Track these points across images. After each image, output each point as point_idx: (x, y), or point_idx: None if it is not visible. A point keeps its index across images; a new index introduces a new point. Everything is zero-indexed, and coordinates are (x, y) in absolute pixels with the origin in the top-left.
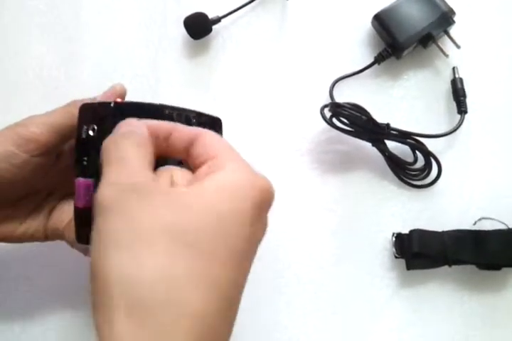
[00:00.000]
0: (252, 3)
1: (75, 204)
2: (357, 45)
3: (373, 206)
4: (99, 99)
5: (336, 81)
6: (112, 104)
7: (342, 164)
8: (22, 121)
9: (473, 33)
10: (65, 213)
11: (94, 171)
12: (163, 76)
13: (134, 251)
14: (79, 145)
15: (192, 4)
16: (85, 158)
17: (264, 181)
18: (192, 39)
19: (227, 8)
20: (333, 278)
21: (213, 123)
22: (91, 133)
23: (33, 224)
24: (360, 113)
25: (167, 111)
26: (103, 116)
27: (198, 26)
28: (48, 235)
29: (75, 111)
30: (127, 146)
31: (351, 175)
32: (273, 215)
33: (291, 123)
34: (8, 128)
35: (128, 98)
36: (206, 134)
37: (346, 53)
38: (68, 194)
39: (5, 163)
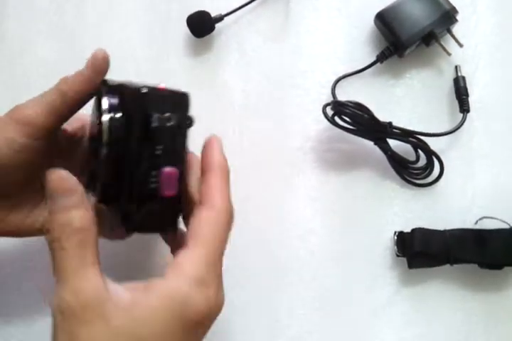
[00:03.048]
0: (255, 2)
1: (162, 192)
2: (359, 43)
3: (375, 204)
4: (87, 68)
5: (339, 79)
6: (186, 94)
7: (344, 162)
8: (16, 106)
9: (475, 31)
10: None
11: (172, 159)
12: (166, 74)
13: None
14: (150, 134)
15: (195, 3)
16: (160, 147)
17: (200, 301)
18: (195, 37)
19: (230, 6)
20: (334, 276)
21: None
22: (166, 122)
23: (40, 215)
24: (362, 111)
25: None
26: (177, 104)
27: (201, 25)
28: None
29: (66, 89)
30: (67, 257)
31: (353, 174)
32: (274, 214)
33: (294, 122)
34: (4, 115)
35: None
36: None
37: (349, 52)
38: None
39: (5, 148)
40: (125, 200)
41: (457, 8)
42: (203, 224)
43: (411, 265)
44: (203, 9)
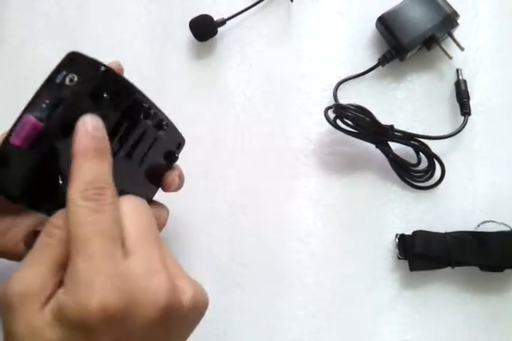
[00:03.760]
0: (257, 6)
1: (9, 139)
2: (361, 46)
3: (377, 207)
4: None
5: (340, 83)
6: (102, 68)
7: (346, 165)
8: None
9: (476, 35)
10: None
11: (50, 118)
12: (168, 77)
13: None
14: (45, 87)
15: (197, 6)
16: (47, 102)
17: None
18: (197, 41)
19: (232, 10)
20: (335, 278)
21: (177, 142)
22: (67, 82)
23: (22, 226)
24: (364, 114)
25: (146, 105)
26: (90, 73)
27: (204, 28)
28: None
29: None
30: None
31: (355, 177)
32: (276, 216)
33: (296, 125)
34: None
35: None
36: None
37: (350, 55)
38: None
39: None
40: None
41: (458, 11)
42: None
43: (412, 267)
44: (205, 13)
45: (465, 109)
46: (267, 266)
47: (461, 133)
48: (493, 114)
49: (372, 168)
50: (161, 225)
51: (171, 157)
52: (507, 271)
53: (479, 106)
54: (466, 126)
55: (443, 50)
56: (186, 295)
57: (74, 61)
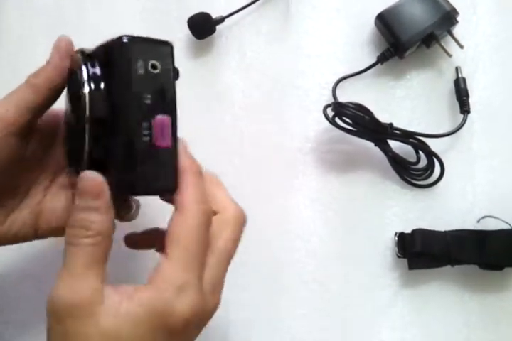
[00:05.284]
0: (256, 3)
1: (155, 143)
2: (360, 44)
3: (376, 205)
4: (52, 56)
5: (339, 80)
6: (169, 46)
7: (345, 164)
8: None
9: (476, 32)
10: (57, 202)
11: (165, 109)
12: None
13: None
14: (134, 83)
15: (196, 4)
16: (148, 96)
17: (181, 307)
18: (196, 39)
19: (230, 8)
20: (335, 277)
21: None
22: (151, 69)
23: (17, 220)
24: (362, 112)
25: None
26: (165, 55)
27: (202, 26)
28: (38, 231)
29: (36, 81)
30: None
31: (354, 175)
32: (275, 214)
33: (294, 123)
34: None
35: None
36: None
37: (349, 53)
38: (54, 179)
39: None
40: (117, 162)
41: (458, 9)
42: (177, 228)
43: (411, 266)
44: (203, 11)
45: (464, 107)
46: (265, 265)
47: (460, 131)
48: (493, 112)
49: (372, 166)
50: None
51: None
52: (506, 269)
53: (478, 104)
54: (466, 124)
55: (442, 47)
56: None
57: (140, 47)
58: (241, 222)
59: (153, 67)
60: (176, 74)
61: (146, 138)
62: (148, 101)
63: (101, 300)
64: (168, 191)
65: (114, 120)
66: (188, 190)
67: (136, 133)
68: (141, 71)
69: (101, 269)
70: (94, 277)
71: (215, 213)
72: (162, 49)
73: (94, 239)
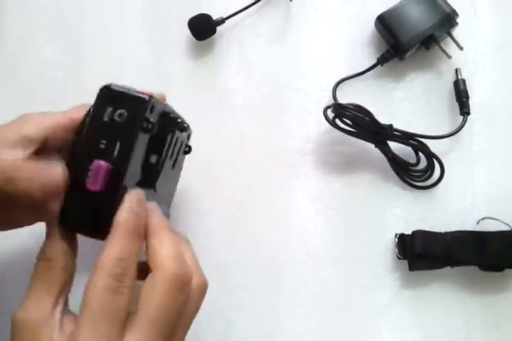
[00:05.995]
0: (256, 5)
1: (87, 186)
2: (360, 46)
3: (376, 207)
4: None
5: (339, 82)
6: (147, 98)
7: (345, 165)
8: (20, 118)
9: (476, 34)
10: None
11: (113, 157)
12: (167, 77)
13: None
14: (96, 127)
15: (196, 5)
16: (103, 141)
17: None
18: (196, 40)
19: (231, 9)
20: (335, 278)
21: (187, 134)
22: (117, 118)
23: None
24: (363, 114)
25: (174, 116)
26: (137, 106)
27: (202, 27)
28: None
29: (76, 116)
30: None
31: (354, 176)
32: (275, 215)
33: (295, 124)
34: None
35: None
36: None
37: (349, 54)
38: None
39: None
40: (65, 194)
41: (457, 11)
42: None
43: (412, 267)
44: (204, 12)
45: (464, 109)
46: (266, 265)
47: (460, 132)
48: (493, 114)
49: (372, 167)
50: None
51: (187, 149)
52: (506, 270)
53: (478, 105)
54: (466, 126)
55: (442, 49)
56: None
57: (114, 96)
58: (176, 285)
59: (120, 116)
60: (188, 149)
61: (84, 180)
62: (102, 147)
63: (49, 325)
64: (93, 236)
65: (72, 158)
66: (153, 249)
67: (79, 173)
68: (106, 118)
69: (60, 294)
70: (49, 301)
71: (151, 270)
72: (137, 103)
73: (46, 264)
